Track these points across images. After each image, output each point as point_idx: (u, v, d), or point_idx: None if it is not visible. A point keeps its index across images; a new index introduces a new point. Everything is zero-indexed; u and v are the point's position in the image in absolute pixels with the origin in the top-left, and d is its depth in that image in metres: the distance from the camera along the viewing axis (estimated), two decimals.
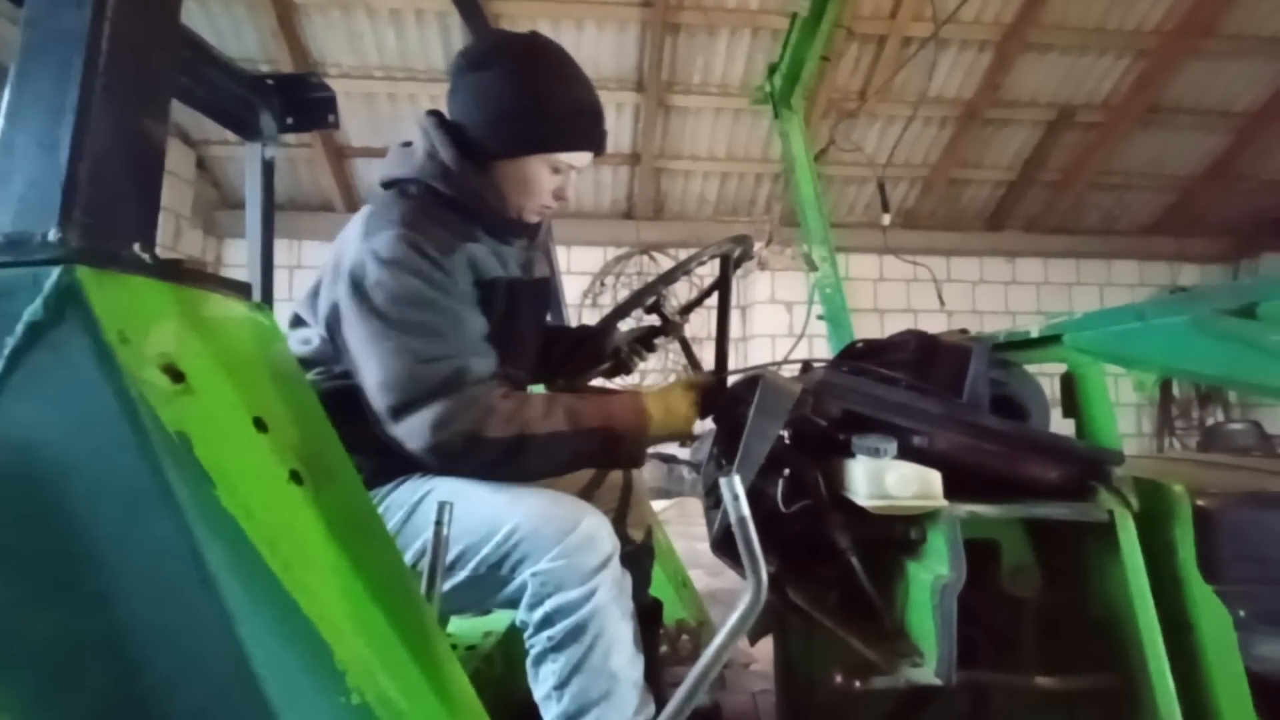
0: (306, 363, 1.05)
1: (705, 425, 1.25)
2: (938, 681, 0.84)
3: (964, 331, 1.24)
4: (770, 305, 5.23)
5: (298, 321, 1.12)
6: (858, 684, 0.89)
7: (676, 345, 1.34)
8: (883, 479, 0.87)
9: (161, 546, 0.50)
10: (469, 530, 0.92)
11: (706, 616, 1.88)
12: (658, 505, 3.84)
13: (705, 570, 2.43)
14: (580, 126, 1.09)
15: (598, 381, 1.46)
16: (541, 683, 0.91)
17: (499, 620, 1.51)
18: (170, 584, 0.51)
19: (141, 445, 0.50)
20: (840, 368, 1.09)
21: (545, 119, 1.05)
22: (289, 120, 1.59)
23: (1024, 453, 0.94)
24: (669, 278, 1.21)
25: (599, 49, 4.65)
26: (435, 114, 1.11)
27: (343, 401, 0.89)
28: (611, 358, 1.39)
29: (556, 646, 0.89)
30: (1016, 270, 5.87)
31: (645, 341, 1.40)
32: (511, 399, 0.97)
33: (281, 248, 4.54)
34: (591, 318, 4.96)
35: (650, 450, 1.14)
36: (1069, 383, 1.02)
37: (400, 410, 0.92)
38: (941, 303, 2.98)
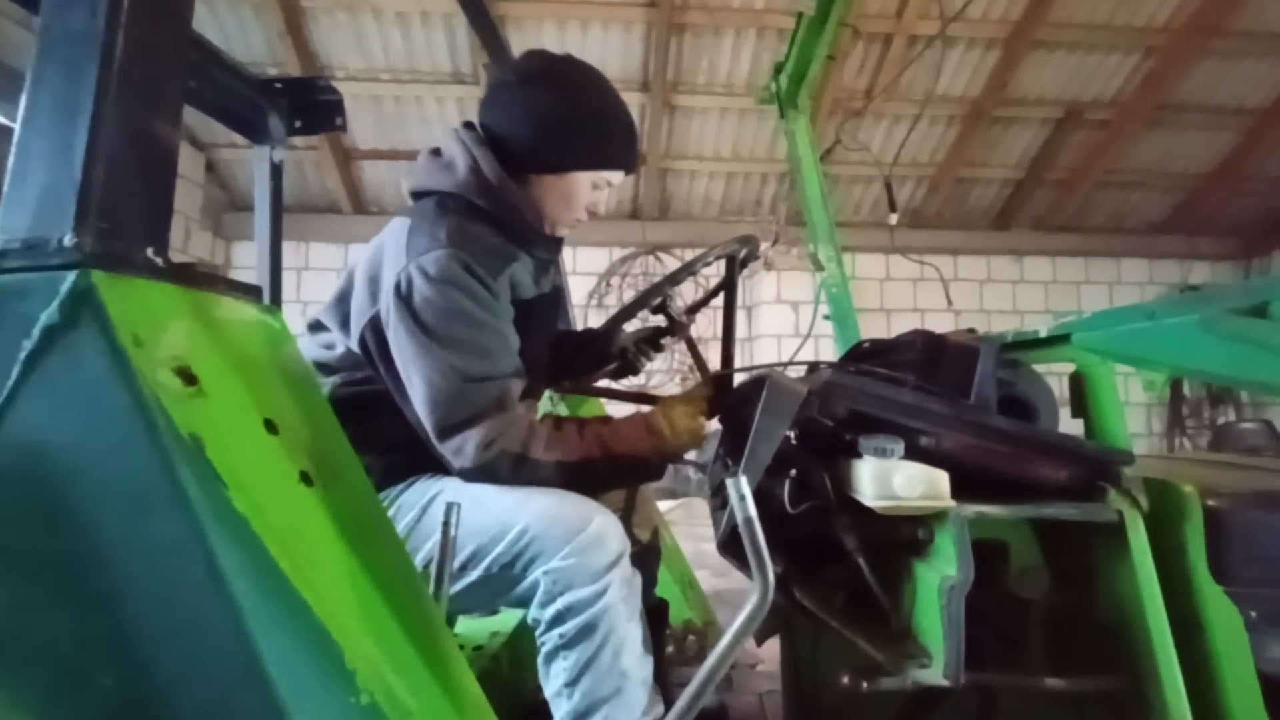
0: (329, 368, 1.06)
1: (712, 426, 1.25)
2: (945, 683, 0.84)
3: (971, 331, 1.24)
4: (776, 305, 5.22)
5: (319, 326, 1.12)
6: (865, 685, 0.89)
7: (683, 345, 1.34)
8: (890, 479, 0.86)
9: (173, 546, 0.51)
10: (480, 531, 0.93)
11: (713, 617, 1.88)
12: (664, 506, 3.84)
13: (711, 571, 2.43)
14: (624, 145, 1.13)
15: (603, 382, 1.47)
16: (552, 680, 0.92)
17: (506, 620, 1.52)
18: (182, 584, 0.51)
19: (154, 446, 0.50)
20: (847, 368, 1.09)
21: (595, 135, 1.09)
22: (297, 123, 1.59)
23: (1032, 453, 0.93)
24: (674, 279, 1.22)
25: (605, 50, 4.66)
26: (472, 126, 1.12)
27: (359, 405, 0.90)
28: (618, 359, 1.39)
29: (567, 644, 0.90)
30: (1024, 269, 5.84)
31: (652, 342, 1.40)
32: (547, 421, 1.01)
33: (289, 249, 4.56)
34: (597, 319, 4.97)
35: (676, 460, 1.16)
36: (1078, 382, 1.02)
37: (449, 430, 0.95)
38: (949, 302, 2.97)
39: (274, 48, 4.44)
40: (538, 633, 0.93)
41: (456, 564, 0.93)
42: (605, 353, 1.38)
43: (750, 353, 5.29)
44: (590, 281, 5.43)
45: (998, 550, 0.94)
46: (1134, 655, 0.88)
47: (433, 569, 0.77)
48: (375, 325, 1.00)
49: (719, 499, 1.15)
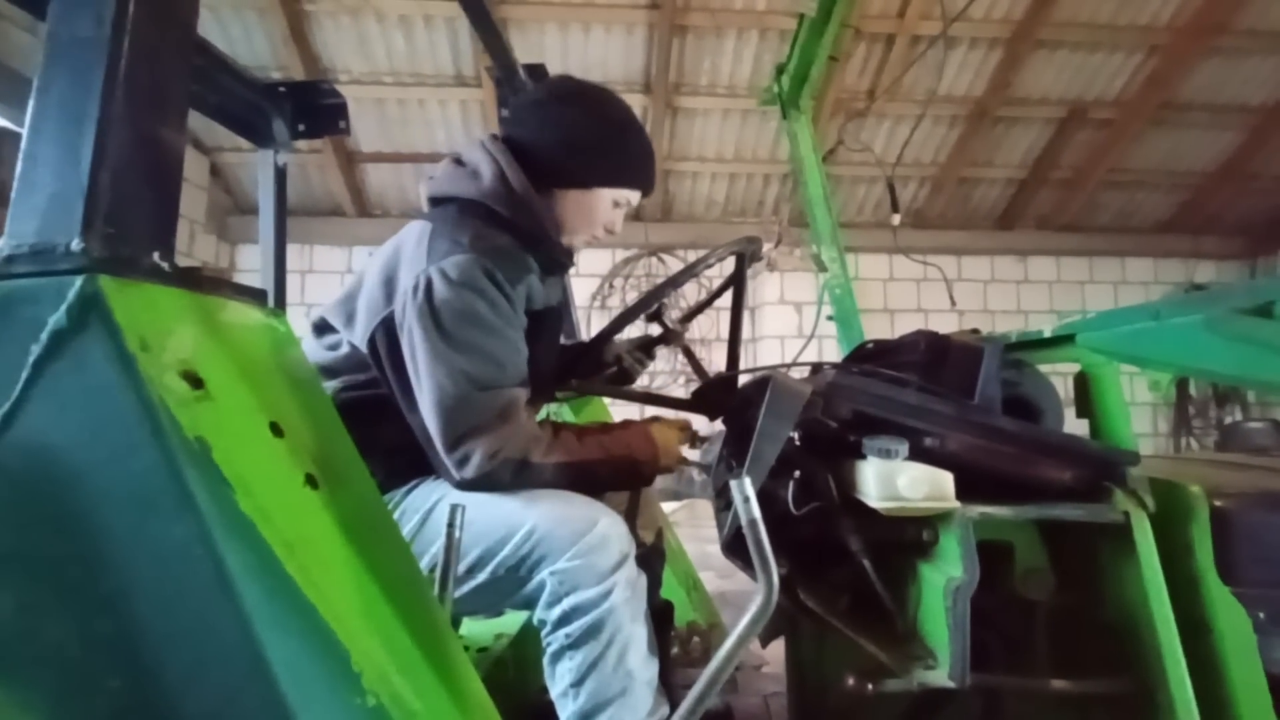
0: (332, 370, 1.06)
1: (716, 427, 1.25)
2: (951, 684, 0.83)
3: (975, 331, 1.23)
4: (780, 306, 5.21)
5: (325, 327, 1.12)
6: (870, 687, 0.89)
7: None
8: (894, 481, 0.86)
9: (180, 549, 0.51)
10: (487, 533, 0.94)
11: (718, 619, 1.87)
12: (668, 507, 3.84)
13: (716, 572, 2.43)
14: (646, 167, 1.19)
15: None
16: (558, 680, 0.92)
17: (511, 622, 1.52)
18: (189, 586, 0.52)
19: (161, 450, 0.51)
20: (850, 369, 1.09)
21: (621, 155, 1.15)
22: (301, 127, 1.60)
23: (1037, 454, 0.93)
24: (662, 291, 1.22)
25: (607, 52, 4.66)
26: (499, 138, 1.15)
27: (362, 408, 0.90)
28: (613, 366, 1.39)
29: (574, 644, 0.91)
30: (1029, 269, 5.82)
31: (646, 350, 1.41)
32: (547, 426, 1.03)
33: (293, 253, 4.59)
34: (600, 320, 4.97)
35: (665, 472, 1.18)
36: (1083, 383, 1.01)
37: (456, 440, 0.95)
38: (953, 302, 2.96)
39: (278, 52, 4.46)
40: (543, 633, 0.93)
41: (463, 567, 0.94)
42: (599, 363, 1.38)
43: (754, 354, 5.28)
44: (593, 283, 5.44)
45: (1003, 551, 0.94)
46: (1141, 657, 0.88)
47: (438, 571, 0.77)
48: (388, 325, 1.00)
49: (723, 500, 1.15)
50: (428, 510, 1.00)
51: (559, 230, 1.14)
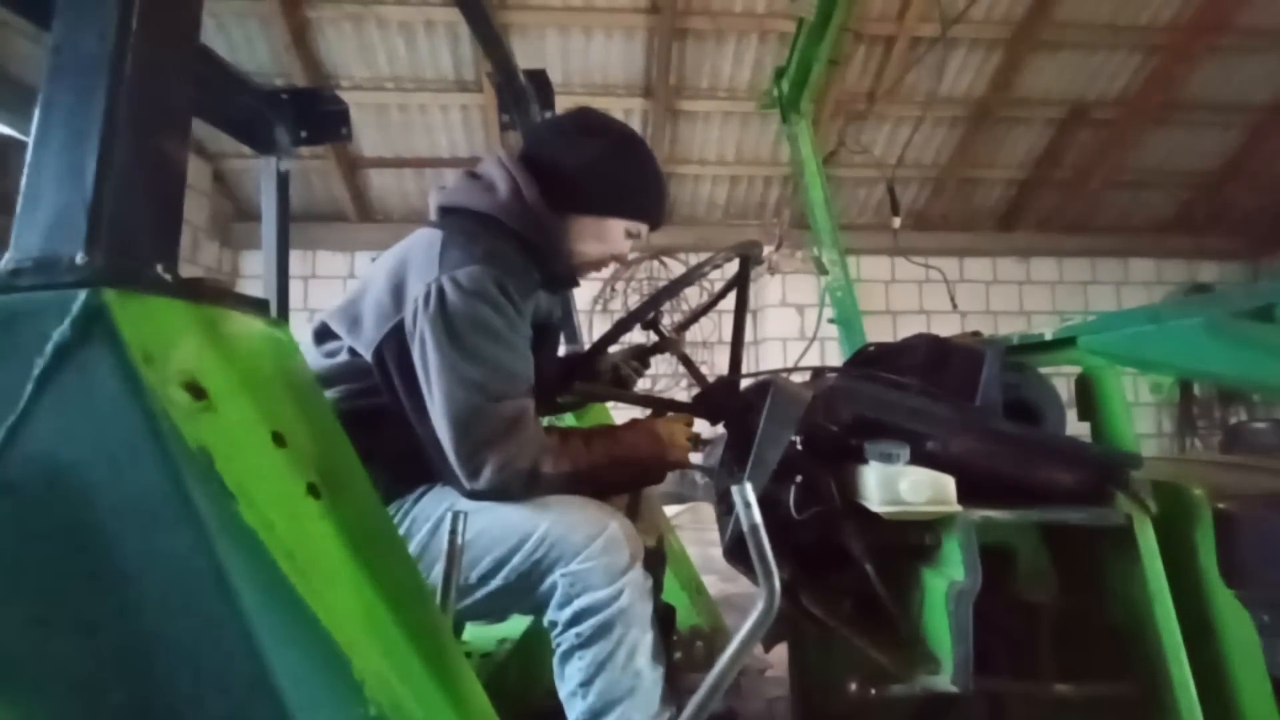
0: (329, 379, 1.06)
1: (717, 431, 1.25)
2: (954, 689, 0.83)
3: (977, 334, 1.23)
4: (781, 309, 5.21)
5: (326, 333, 1.12)
6: (873, 691, 0.89)
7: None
8: (896, 485, 0.86)
9: (183, 561, 0.51)
10: (500, 540, 0.95)
11: (721, 623, 1.87)
12: (671, 511, 3.84)
13: (719, 576, 2.43)
14: (660, 202, 1.25)
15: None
16: (568, 680, 0.93)
17: (514, 627, 1.52)
18: (192, 597, 0.52)
19: (164, 461, 0.51)
20: (852, 373, 1.09)
21: (639, 188, 1.18)
22: (303, 133, 1.61)
23: (1039, 457, 0.93)
24: (659, 299, 1.22)
25: (607, 56, 4.68)
26: (519, 155, 1.17)
27: (362, 417, 0.90)
28: (611, 375, 1.40)
29: (584, 644, 0.92)
30: (1031, 270, 5.81)
31: (642, 359, 1.42)
32: (554, 434, 1.04)
33: (296, 258, 4.59)
34: (601, 324, 4.97)
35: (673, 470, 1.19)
36: (1085, 385, 1.01)
37: (468, 451, 0.95)
38: (954, 304, 2.95)
39: (280, 59, 4.48)
40: (554, 634, 0.94)
41: (476, 574, 0.95)
42: (595, 373, 1.39)
43: (756, 356, 5.28)
44: (595, 287, 5.44)
45: (1005, 555, 0.94)
46: (1145, 660, 0.88)
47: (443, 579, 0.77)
48: (398, 333, 1.01)
49: (725, 505, 1.15)
50: (438, 519, 1.01)
51: (569, 252, 1.17)
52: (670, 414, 1.21)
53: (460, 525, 0.80)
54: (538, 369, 1.11)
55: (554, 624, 0.94)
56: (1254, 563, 0.90)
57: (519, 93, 1.79)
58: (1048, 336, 1.06)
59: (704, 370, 1.31)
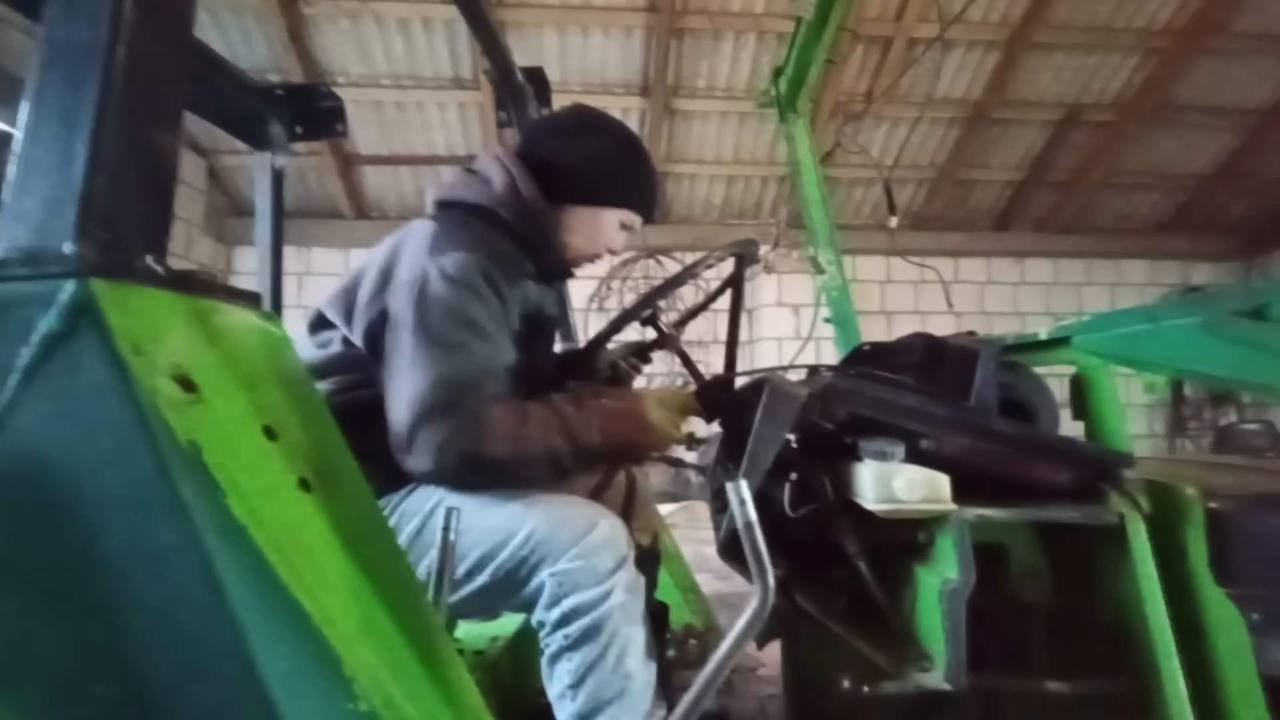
0: (322, 370, 1.06)
1: (712, 429, 1.25)
2: (947, 686, 0.83)
3: (972, 334, 1.24)
4: (777, 308, 5.22)
5: (320, 323, 1.11)
6: (866, 689, 0.89)
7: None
8: (890, 483, 0.86)
9: (172, 554, 0.51)
10: (486, 536, 0.93)
11: (714, 621, 1.87)
12: (665, 509, 3.84)
13: (713, 574, 2.43)
14: (654, 194, 1.26)
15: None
16: (556, 682, 0.92)
17: (507, 625, 1.52)
18: (180, 591, 0.51)
19: (154, 454, 0.50)
20: (847, 371, 1.09)
21: (633, 179, 1.20)
22: (298, 130, 1.60)
23: (1033, 456, 0.93)
24: (656, 295, 1.22)
25: (605, 55, 4.67)
26: (516, 151, 1.18)
27: (355, 410, 0.89)
28: (608, 372, 1.40)
29: (572, 645, 0.90)
30: (1025, 271, 5.84)
31: (641, 355, 1.41)
32: (511, 414, 0.96)
33: (291, 254, 4.57)
34: (597, 322, 4.96)
35: (657, 454, 1.17)
36: (1078, 385, 1.02)
37: (410, 429, 0.93)
38: (949, 304, 2.97)
39: (276, 55, 4.47)
40: (542, 635, 0.93)
41: (462, 570, 0.93)
42: (592, 370, 1.38)
43: (752, 356, 5.29)
44: (590, 285, 5.44)
45: (999, 553, 0.94)
46: (1136, 658, 0.88)
47: (433, 575, 0.77)
48: (385, 314, 1.01)
49: (719, 503, 1.15)
50: (426, 514, 1.00)
51: (563, 243, 1.17)
52: (669, 392, 1.17)
53: (454, 521, 0.79)
54: (532, 363, 1.11)
55: (542, 624, 0.92)
56: (1245, 561, 0.91)
57: (516, 90, 1.79)
58: (1042, 336, 1.06)
59: (700, 369, 1.31)
